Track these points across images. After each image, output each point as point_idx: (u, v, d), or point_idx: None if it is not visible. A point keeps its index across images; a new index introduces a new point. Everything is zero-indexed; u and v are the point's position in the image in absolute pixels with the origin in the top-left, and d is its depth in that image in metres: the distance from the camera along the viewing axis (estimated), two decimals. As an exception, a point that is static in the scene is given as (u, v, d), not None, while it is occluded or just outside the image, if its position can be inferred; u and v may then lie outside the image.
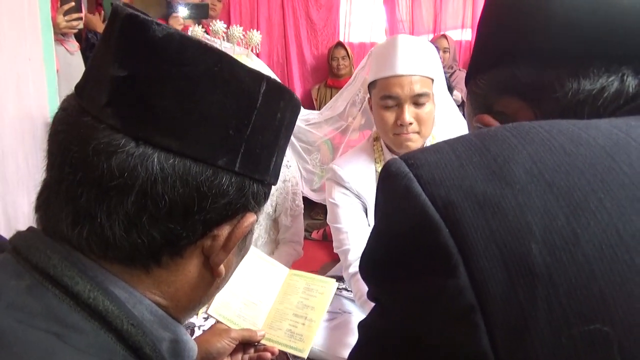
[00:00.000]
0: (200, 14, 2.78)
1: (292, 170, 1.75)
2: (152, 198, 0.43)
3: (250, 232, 0.53)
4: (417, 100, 1.30)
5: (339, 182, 1.45)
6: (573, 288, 0.26)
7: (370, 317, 0.41)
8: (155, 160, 0.42)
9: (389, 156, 1.44)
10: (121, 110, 0.43)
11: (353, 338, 1.45)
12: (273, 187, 1.53)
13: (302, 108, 1.87)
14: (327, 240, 1.62)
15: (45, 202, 0.47)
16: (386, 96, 1.31)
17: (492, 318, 0.28)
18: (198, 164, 0.44)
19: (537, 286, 0.27)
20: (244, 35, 1.62)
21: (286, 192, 1.74)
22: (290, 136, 0.56)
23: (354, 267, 1.36)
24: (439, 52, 3.72)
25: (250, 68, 0.47)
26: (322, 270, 2.54)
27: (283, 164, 1.68)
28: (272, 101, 0.49)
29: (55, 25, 2.21)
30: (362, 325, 0.42)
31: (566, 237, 0.27)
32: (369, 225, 1.45)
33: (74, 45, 2.49)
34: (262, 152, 0.50)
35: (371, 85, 1.39)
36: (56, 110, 0.48)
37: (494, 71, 0.50)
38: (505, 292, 0.28)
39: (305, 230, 2.90)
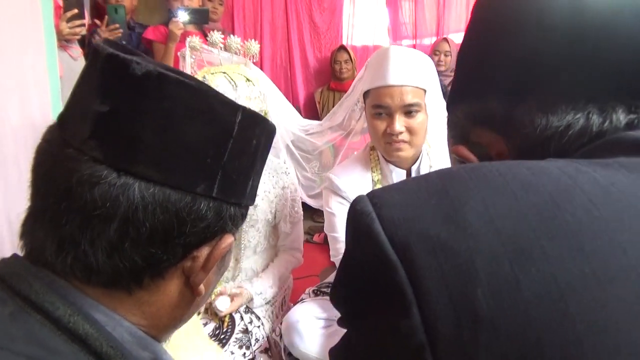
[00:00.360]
0: (201, 18, 2.78)
1: (290, 177, 1.76)
2: (134, 225, 0.45)
3: (229, 251, 0.54)
4: (408, 110, 1.31)
5: (336, 192, 1.46)
6: (513, 333, 0.27)
7: (338, 345, 0.42)
8: (136, 189, 0.45)
9: (384, 165, 1.45)
10: (104, 143, 0.45)
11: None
12: (271, 193, 1.53)
13: (302, 118, 1.87)
14: (328, 243, 1.64)
15: (30, 229, 0.48)
16: (377, 105, 1.33)
17: (441, 358, 0.29)
18: (177, 192, 0.46)
19: (480, 329, 0.28)
20: (241, 46, 1.63)
21: (285, 199, 1.75)
22: (266, 159, 0.58)
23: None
24: (440, 56, 3.73)
25: (226, 99, 0.49)
26: (322, 274, 2.55)
27: (282, 171, 1.68)
28: (248, 129, 0.51)
29: (59, 32, 2.24)
30: (331, 352, 0.43)
31: (509, 283, 0.28)
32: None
33: (77, 51, 2.51)
34: (239, 177, 0.52)
35: (365, 95, 1.40)
36: (39, 144, 0.50)
37: (470, 102, 0.51)
38: (453, 333, 0.29)
39: (307, 233, 2.91)
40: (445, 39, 3.77)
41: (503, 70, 0.48)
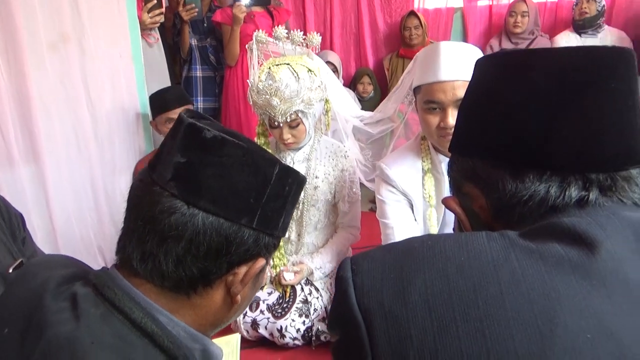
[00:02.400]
0: (262, 1, 2.88)
1: (349, 160, 1.87)
2: (196, 244, 0.61)
3: (262, 271, 0.69)
4: None
5: (386, 181, 1.55)
6: None
7: None
8: (200, 218, 0.61)
9: (434, 155, 1.52)
10: (180, 184, 0.62)
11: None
12: (331, 175, 1.71)
13: (358, 109, 1.95)
14: None
15: (123, 245, 0.66)
16: (430, 101, 1.38)
17: None
18: (227, 222, 0.62)
19: None
20: (304, 39, 1.73)
21: (344, 180, 1.87)
22: (296, 202, 0.72)
23: (398, 261, 1.49)
24: (516, 17, 3.56)
25: (268, 156, 0.65)
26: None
27: (341, 154, 1.81)
28: (282, 179, 0.67)
29: (141, 23, 2.44)
30: None
31: (431, 352, 0.39)
32: (415, 221, 1.56)
33: (154, 37, 2.73)
34: (273, 214, 0.67)
35: (416, 90, 1.45)
36: (133, 181, 0.68)
37: (463, 158, 0.59)
38: None
39: (371, 201, 3.01)
40: (523, -1, 3.58)
41: (486, 136, 0.56)
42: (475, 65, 0.62)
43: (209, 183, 0.61)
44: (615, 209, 0.47)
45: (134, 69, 2.42)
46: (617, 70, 0.48)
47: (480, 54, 1.44)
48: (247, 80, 1.78)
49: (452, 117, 1.35)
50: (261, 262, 0.67)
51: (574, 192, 0.48)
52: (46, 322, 0.60)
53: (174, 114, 2.27)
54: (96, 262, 2.19)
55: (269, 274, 1.90)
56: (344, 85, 3.90)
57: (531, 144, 0.51)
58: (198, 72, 3.12)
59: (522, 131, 0.52)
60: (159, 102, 2.31)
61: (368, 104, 3.90)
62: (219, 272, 0.64)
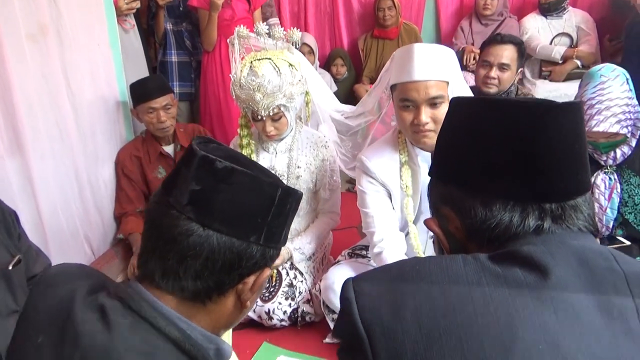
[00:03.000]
0: None
1: (330, 150, 1.96)
2: (211, 261, 0.70)
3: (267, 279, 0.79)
4: (433, 102, 1.46)
5: (366, 172, 1.66)
6: None
7: None
8: (214, 238, 0.70)
9: (411, 148, 1.62)
10: (195, 208, 0.70)
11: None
12: (312, 165, 1.84)
13: (338, 103, 2.03)
14: None
15: (145, 262, 0.74)
16: (404, 99, 1.48)
17: None
18: (238, 240, 0.71)
19: None
20: (284, 35, 1.79)
21: (324, 170, 1.97)
22: (294, 216, 0.80)
23: (378, 248, 1.60)
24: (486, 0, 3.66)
25: (272, 181, 0.74)
26: (360, 226, 2.75)
27: (321, 145, 1.92)
28: (284, 199, 0.75)
29: (117, 9, 2.43)
30: None
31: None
32: (393, 209, 1.67)
33: (129, 23, 2.71)
34: (277, 230, 0.76)
35: (392, 88, 1.55)
36: (150, 203, 0.76)
37: (441, 184, 0.69)
38: None
39: (348, 182, 3.11)
40: (491, -21, 3.66)
41: (460, 168, 0.65)
42: (450, 104, 0.71)
43: (221, 207, 0.70)
44: (563, 237, 0.57)
45: (112, 56, 2.42)
46: (565, 122, 0.59)
47: (452, 54, 1.53)
48: (230, 75, 1.83)
49: (424, 115, 1.46)
50: (267, 271, 0.77)
51: (531, 222, 0.59)
52: (80, 332, 0.68)
53: (156, 103, 2.31)
54: (83, 251, 2.24)
55: None
56: (320, 66, 3.96)
57: (497, 179, 0.61)
58: (173, 57, 3.12)
59: (489, 167, 0.62)
60: (141, 91, 2.32)
61: (342, 85, 3.97)
62: (231, 283, 0.73)
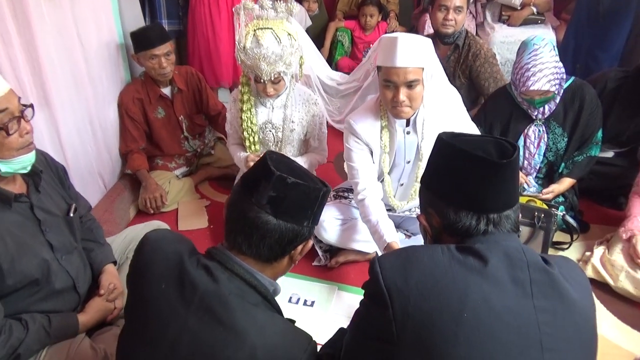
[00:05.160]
0: None
1: (319, 107, 2.30)
2: (280, 238, 1.09)
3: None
4: (410, 84, 1.81)
5: (353, 133, 2.02)
6: (423, 327, 0.92)
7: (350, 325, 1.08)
8: (283, 225, 1.07)
9: (390, 115, 1.99)
10: (271, 206, 1.05)
11: (358, 235, 2.20)
12: (304, 120, 2.31)
13: (330, 70, 2.35)
14: (343, 130, 2.14)
15: (233, 237, 1.11)
16: (387, 80, 1.83)
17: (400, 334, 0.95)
18: (297, 226, 1.09)
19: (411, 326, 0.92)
20: (286, 10, 2.04)
21: (314, 124, 2.32)
22: (324, 206, 1.18)
23: (362, 195, 2.01)
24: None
25: (317, 187, 1.10)
26: (336, 160, 3.11)
27: (312, 102, 2.32)
28: (323, 197, 1.13)
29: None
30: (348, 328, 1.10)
31: (419, 310, 0.91)
32: (373, 163, 2.07)
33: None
34: (317, 216, 1.15)
35: (378, 68, 1.88)
36: (232, 197, 1.12)
37: (429, 192, 1.08)
38: (407, 334, 0.93)
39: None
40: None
41: (440, 184, 1.05)
42: (437, 139, 1.07)
43: (288, 205, 1.07)
44: (498, 238, 0.98)
45: (110, 3, 2.55)
46: (506, 170, 0.97)
47: (429, 44, 1.86)
48: (236, 42, 2.08)
49: (402, 94, 1.81)
50: (310, 242, 1.17)
51: (482, 226, 0.99)
52: (196, 282, 1.06)
53: (158, 50, 2.52)
54: (98, 186, 2.55)
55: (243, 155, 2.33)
56: None
57: (463, 197, 1.00)
58: (161, -6, 3.21)
59: (459, 189, 1.00)
60: (144, 40, 2.51)
61: (314, 20, 4.14)
62: (290, 250, 1.13)
